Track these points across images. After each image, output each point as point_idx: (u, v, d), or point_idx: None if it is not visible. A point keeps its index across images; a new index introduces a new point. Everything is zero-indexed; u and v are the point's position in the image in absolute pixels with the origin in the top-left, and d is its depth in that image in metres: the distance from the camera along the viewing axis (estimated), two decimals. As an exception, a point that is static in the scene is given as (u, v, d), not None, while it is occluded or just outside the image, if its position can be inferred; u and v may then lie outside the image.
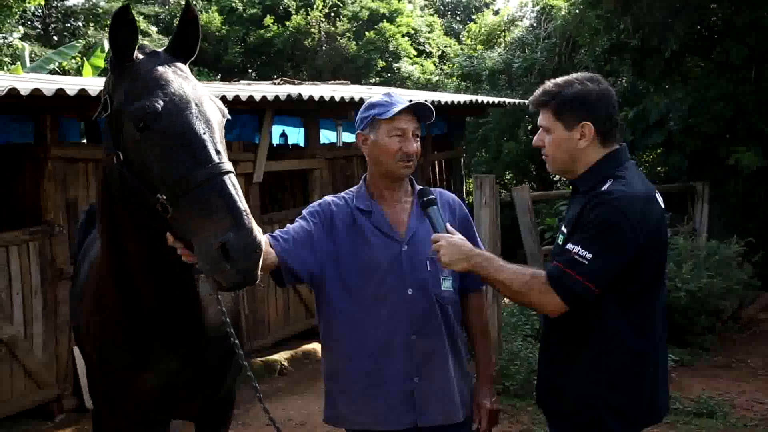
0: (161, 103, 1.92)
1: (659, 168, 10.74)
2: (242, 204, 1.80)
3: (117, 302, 2.32)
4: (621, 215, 2.10)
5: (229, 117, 2.10)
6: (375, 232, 2.48)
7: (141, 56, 2.07)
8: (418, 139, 2.54)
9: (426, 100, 2.41)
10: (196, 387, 2.53)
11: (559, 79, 2.34)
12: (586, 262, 2.09)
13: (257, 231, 1.78)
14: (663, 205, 2.27)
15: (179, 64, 2.08)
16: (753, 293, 7.82)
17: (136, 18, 2.03)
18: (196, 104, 1.95)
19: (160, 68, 2.01)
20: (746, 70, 8.92)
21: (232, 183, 1.83)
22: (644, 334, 2.20)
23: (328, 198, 2.60)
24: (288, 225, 2.49)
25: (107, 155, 2.11)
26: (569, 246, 2.14)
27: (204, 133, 1.90)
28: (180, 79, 2.00)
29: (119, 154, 2.01)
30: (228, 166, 1.86)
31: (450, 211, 2.59)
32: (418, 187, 2.53)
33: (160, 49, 2.13)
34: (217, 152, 1.88)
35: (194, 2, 20.78)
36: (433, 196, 2.39)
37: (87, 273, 2.74)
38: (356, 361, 2.45)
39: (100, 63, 13.08)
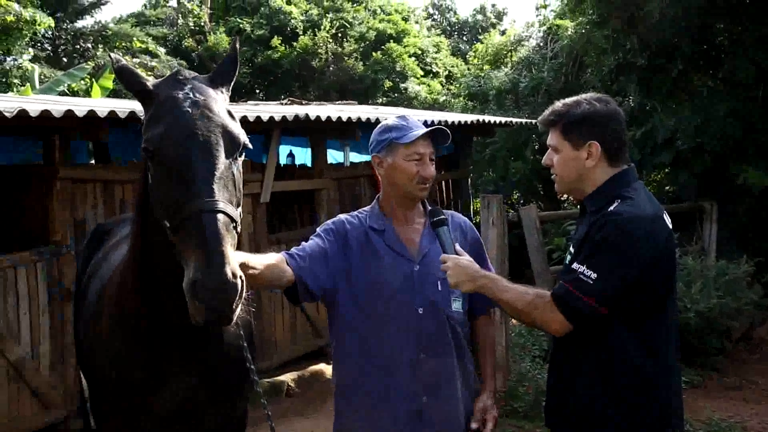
0: (164, 133, 1.95)
1: (667, 187, 10.72)
2: (220, 244, 1.79)
3: (141, 316, 2.32)
4: (626, 235, 2.11)
5: (249, 146, 2.09)
6: (387, 251, 2.51)
7: (172, 81, 2.10)
8: (434, 162, 2.57)
9: (433, 120, 2.42)
10: (211, 405, 2.52)
11: (567, 100, 2.38)
12: (591, 282, 2.10)
13: (230, 274, 1.76)
14: (670, 225, 2.28)
15: (204, 89, 2.08)
16: (763, 313, 7.76)
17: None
18: (202, 135, 1.95)
19: (178, 96, 2.02)
20: (754, 88, 8.92)
21: (215, 222, 1.82)
22: (653, 353, 2.19)
23: (342, 216, 2.64)
24: (302, 243, 2.52)
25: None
26: (575, 266, 2.16)
27: (199, 167, 1.90)
28: (193, 107, 2.00)
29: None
30: (218, 204, 1.86)
31: (461, 234, 2.63)
32: (429, 207, 2.55)
33: (198, 75, 2.16)
34: (210, 188, 1.87)
35: (202, 22, 20.94)
36: (443, 216, 2.43)
37: (101, 289, 2.74)
38: (365, 377, 2.47)
39: (109, 84, 13.19)
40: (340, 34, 20.38)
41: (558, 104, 2.37)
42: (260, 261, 2.25)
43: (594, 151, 2.27)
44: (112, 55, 2.24)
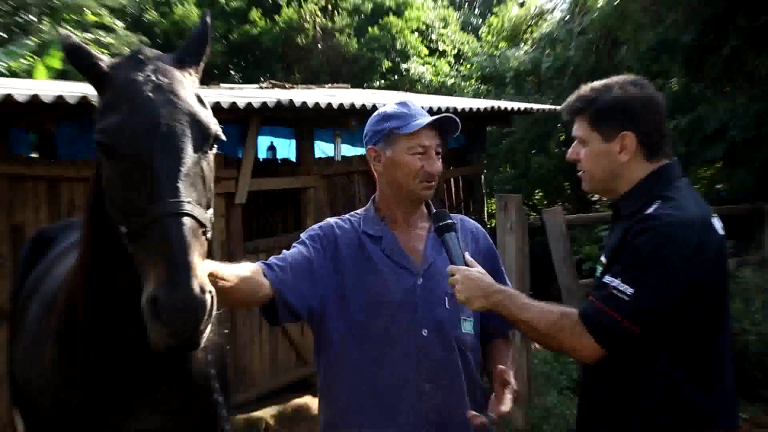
0: (122, 123, 1.96)
1: (720, 186, 10.72)
2: (186, 254, 1.79)
3: (93, 340, 2.31)
4: (670, 243, 2.11)
5: (223, 137, 2.10)
6: (386, 261, 2.51)
7: (131, 61, 2.11)
8: (440, 156, 2.57)
9: (440, 107, 2.43)
10: None
11: (596, 83, 2.39)
12: (627, 298, 2.10)
13: (198, 289, 1.76)
14: (723, 231, 2.28)
15: (169, 71, 2.09)
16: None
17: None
18: (166, 125, 1.96)
19: (138, 78, 2.04)
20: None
21: (180, 227, 1.82)
22: (705, 385, 2.19)
23: (331, 220, 2.64)
24: (284, 251, 2.51)
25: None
26: (607, 279, 2.17)
27: (163, 163, 1.91)
28: (156, 92, 2.01)
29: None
30: (185, 205, 1.86)
31: (473, 241, 2.64)
32: (435, 210, 2.55)
33: (163, 54, 2.17)
34: (174, 187, 1.88)
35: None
36: (450, 221, 2.41)
37: (43, 309, 2.72)
38: (359, 413, 2.45)
39: (56, 64, 13.19)
40: (330, 6, 20.43)
41: (585, 88, 2.39)
42: (233, 272, 2.23)
43: (628, 143, 2.28)
44: (61, 30, 2.24)
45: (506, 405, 2.28)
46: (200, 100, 2.10)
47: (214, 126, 2.07)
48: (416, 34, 20.86)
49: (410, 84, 19.00)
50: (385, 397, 2.43)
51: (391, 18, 20.15)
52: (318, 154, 8.48)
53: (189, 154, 1.96)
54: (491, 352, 2.63)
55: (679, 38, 9.84)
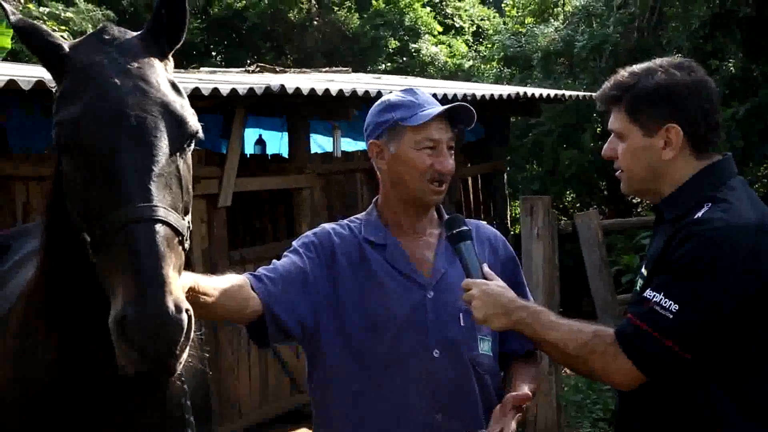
0: (82, 113, 1.96)
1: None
2: (158, 266, 1.79)
3: (53, 367, 2.31)
4: (721, 252, 2.10)
5: (201, 136, 2.10)
6: (390, 273, 2.53)
7: (94, 42, 2.12)
8: (453, 152, 2.58)
9: (455, 94, 2.44)
10: None
11: (636, 67, 2.38)
12: (671, 316, 2.10)
13: (172, 307, 1.77)
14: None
15: (138, 53, 2.09)
16: None
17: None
18: (135, 116, 1.96)
19: (102, 61, 2.04)
20: None
21: (152, 235, 1.82)
22: (761, 419, 2.18)
23: (328, 226, 2.65)
24: (274, 261, 2.53)
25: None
26: (648, 293, 2.16)
27: (130, 160, 1.91)
28: (122, 77, 2.02)
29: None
30: (157, 210, 1.86)
31: (491, 251, 2.65)
32: (447, 215, 2.56)
33: (131, 33, 2.17)
34: (145, 189, 1.88)
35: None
36: (466, 228, 2.42)
37: None
38: None
39: (6, 43, 13.18)
40: (327, -24, 20.47)
41: (623, 73, 2.37)
42: (215, 285, 2.26)
43: (673, 137, 2.27)
44: (5, 5, 2.20)
45: (508, 428, 2.31)
46: (175, 88, 2.10)
47: (192, 118, 2.07)
48: (428, 8, 20.85)
49: (421, 67, 18.99)
50: (389, 428, 2.45)
51: (399, -11, 20.20)
52: (314, 149, 8.48)
53: (162, 150, 1.96)
54: (513, 375, 2.62)
55: (737, 12, 9.80)
